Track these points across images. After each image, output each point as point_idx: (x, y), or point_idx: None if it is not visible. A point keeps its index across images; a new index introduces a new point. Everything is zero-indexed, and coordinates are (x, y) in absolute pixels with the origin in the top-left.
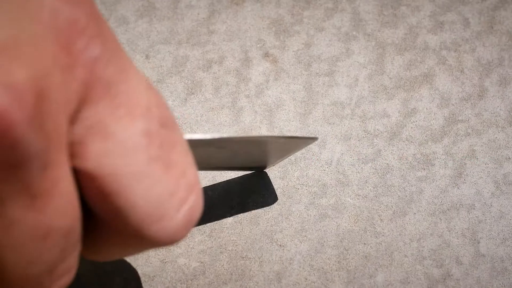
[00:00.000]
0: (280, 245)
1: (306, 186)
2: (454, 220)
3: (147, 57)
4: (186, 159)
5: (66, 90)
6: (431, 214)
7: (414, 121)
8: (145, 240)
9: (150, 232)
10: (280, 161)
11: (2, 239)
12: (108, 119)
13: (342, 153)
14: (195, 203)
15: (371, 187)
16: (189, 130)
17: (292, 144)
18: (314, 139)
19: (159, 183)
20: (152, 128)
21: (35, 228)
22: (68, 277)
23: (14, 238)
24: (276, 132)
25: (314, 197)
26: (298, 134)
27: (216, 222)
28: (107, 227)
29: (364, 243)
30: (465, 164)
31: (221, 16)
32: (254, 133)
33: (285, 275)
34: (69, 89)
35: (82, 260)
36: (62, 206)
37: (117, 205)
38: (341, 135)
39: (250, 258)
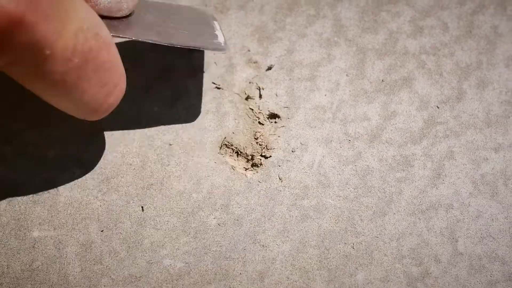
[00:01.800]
0: (263, 246)
1: (288, 188)
2: (432, 219)
3: (134, 65)
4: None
5: None
6: (410, 214)
7: (394, 124)
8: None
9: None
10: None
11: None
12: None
13: (323, 156)
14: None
15: (351, 188)
16: (175, 135)
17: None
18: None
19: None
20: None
21: None
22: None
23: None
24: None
25: (296, 199)
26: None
27: (200, 223)
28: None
29: (345, 243)
30: (443, 165)
31: None
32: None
33: (267, 275)
34: None
35: (73, 260)
36: None
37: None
38: (322, 138)
39: (233, 258)
